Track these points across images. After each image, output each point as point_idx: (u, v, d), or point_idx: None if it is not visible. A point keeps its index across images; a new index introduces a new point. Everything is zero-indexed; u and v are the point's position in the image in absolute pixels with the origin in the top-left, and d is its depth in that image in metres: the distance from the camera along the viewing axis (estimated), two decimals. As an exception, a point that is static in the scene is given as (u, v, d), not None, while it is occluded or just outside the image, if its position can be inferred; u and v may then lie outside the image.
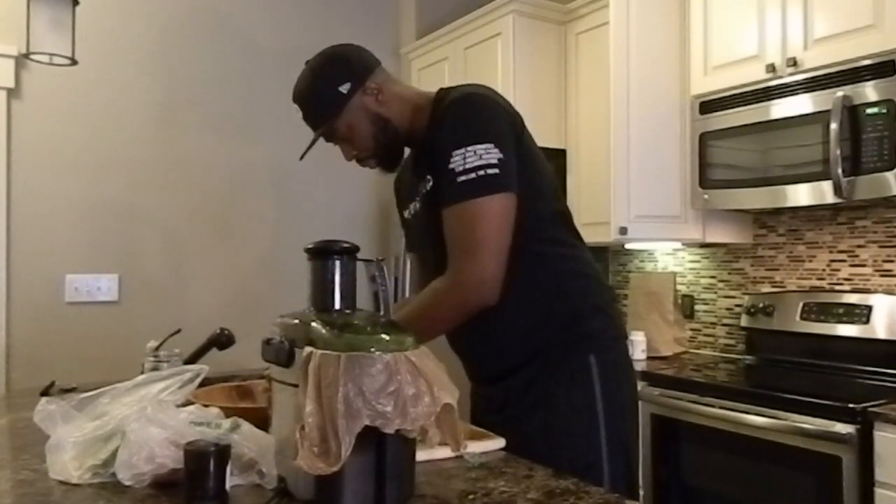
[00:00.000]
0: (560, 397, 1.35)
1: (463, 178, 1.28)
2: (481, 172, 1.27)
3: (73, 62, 2.12)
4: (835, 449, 1.79)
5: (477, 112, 1.34)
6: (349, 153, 1.49)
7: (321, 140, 1.47)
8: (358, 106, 1.42)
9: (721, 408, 2.06)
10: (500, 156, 1.29)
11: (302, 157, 1.48)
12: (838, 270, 2.47)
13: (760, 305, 2.57)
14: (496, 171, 1.28)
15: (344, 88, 1.41)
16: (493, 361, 1.44)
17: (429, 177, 1.38)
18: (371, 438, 0.87)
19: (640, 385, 2.23)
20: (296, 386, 0.91)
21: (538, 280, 1.37)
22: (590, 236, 1.67)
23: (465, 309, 1.32)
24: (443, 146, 1.31)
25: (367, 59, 1.47)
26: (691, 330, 2.96)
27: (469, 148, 1.28)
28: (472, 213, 1.29)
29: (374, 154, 1.47)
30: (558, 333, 1.38)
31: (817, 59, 2.15)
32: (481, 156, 1.28)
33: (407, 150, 1.54)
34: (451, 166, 1.28)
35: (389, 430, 0.87)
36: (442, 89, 1.45)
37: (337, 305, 1.03)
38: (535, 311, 1.38)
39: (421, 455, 1.03)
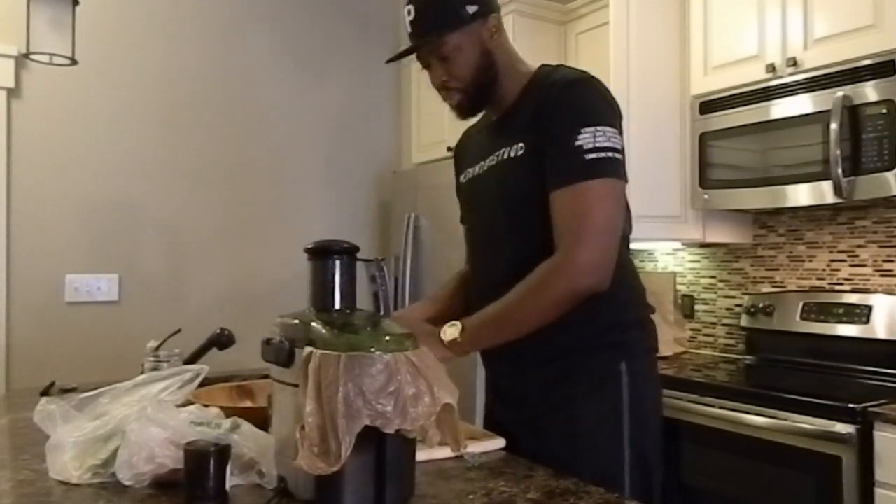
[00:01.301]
0: (587, 402, 1.31)
1: (592, 155, 1.23)
2: (610, 154, 1.24)
3: (73, 62, 2.12)
4: (835, 449, 1.79)
5: (606, 97, 1.32)
6: (439, 77, 1.40)
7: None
8: (475, 32, 1.36)
9: (721, 408, 2.06)
10: (622, 145, 1.27)
11: (390, 61, 1.47)
12: (838, 270, 2.47)
13: (760, 305, 2.57)
14: (620, 157, 1.26)
15: (470, 9, 1.35)
16: (521, 351, 1.37)
17: (521, 143, 1.33)
18: (371, 438, 0.87)
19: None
20: (296, 386, 0.91)
21: None
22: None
23: (576, 292, 1.25)
24: (568, 120, 1.26)
25: None
26: (691, 330, 2.96)
27: (599, 128, 1.25)
28: (598, 192, 1.24)
29: (466, 88, 1.39)
30: (594, 338, 1.34)
31: (817, 59, 2.15)
32: (609, 138, 1.25)
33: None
34: (579, 143, 1.24)
35: (389, 430, 0.87)
36: (545, 65, 1.42)
37: (337, 305, 1.03)
38: (578, 310, 1.30)
39: (421, 455, 1.03)
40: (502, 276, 1.32)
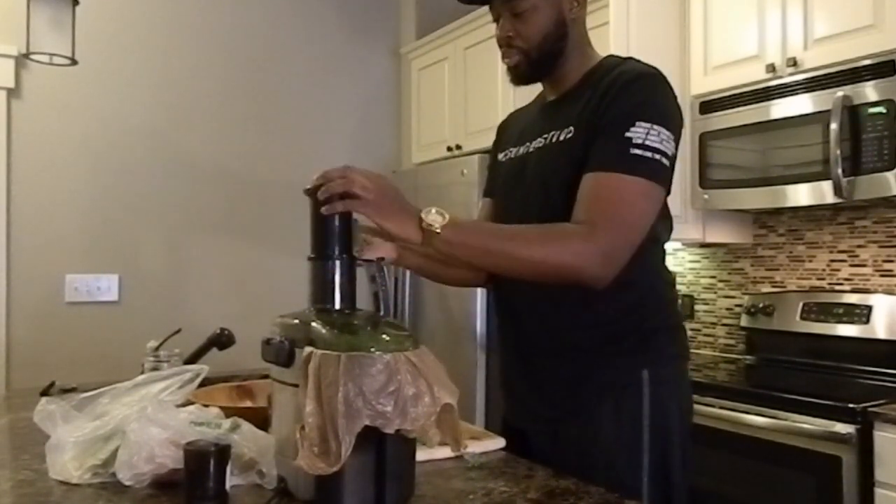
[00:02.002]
0: (604, 410, 1.25)
1: (638, 151, 1.17)
2: (657, 156, 1.18)
3: (73, 62, 2.12)
4: (835, 449, 1.79)
5: (672, 98, 1.26)
6: (506, 32, 1.32)
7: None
8: (555, 0, 1.30)
9: (721, 408, 2.06)
10: (674, 152, 1.22)
11: (463, 1, 1.38)
12: (838, 270, 2.47)
13: (760, 305, 2.57)
14: (667, 163, 1.20)
15: None
16: (539, 349, 1.34)
17: (571, 128, 1.28)
18: (371, 438, 0.87)
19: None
20: (296, 386, 0.91)
21: (625, 283, 1.22)
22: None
23: (577, 270, 1.15)
24: (627, 110, 1.20)
25: None
26: (691, 330, 2.96)
27: (655, 127, 1.18)
28: (632, 190, 1.17)
29: (529, 51, 1.32)
30: (615, 342, 1.27)
31: (817, 59, 2.15)
32: (662, 141, 1.19)
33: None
34: (629, 135, 1.17)
35: (389, 430, 0.87)
36: (613, 55, 1.38)
37: (337, 305, 1.03)
38: (606, 311, 1.26)
39: (421, 455, 1.03)
40: None
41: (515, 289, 1.35)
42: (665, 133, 1.19)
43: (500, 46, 1.35)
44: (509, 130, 1.53)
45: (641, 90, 1.23)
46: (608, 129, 1.20)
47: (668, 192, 1.25)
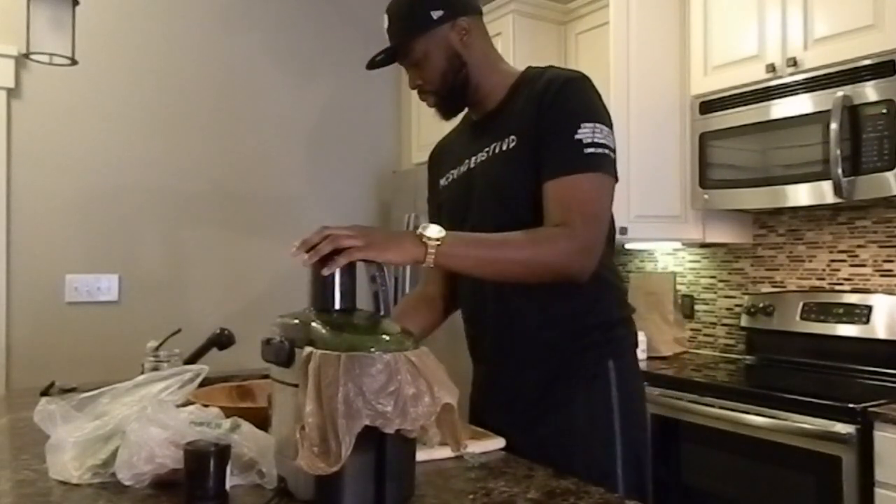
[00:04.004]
0: (578, 402, 1.33)
1: (590, 150, 1.26)
2: (606, 151, 1.28)
3: (73, 62, 2.12)
4: (835, 449, 1.79)
5: (600, 97, 1.35)
6: (414, 81, 1.45)
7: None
8: (441, 37, 1.38)
9: (721, 408, 2.06)
10: (615, 145, 1.31)
11: (369, 66, 1.45)
12: (838, 270, 2.47)
13: (760, 305, 2.57)
14: (614, 156, 1.30)
15: (435, 14, 1.37)
16: (512, 351, 1.39)
17: (513, 136, 1.34)
18: (371, 438, 0.87)
19: (640, 385, 2.22)
20: (296, 386, 0.91)
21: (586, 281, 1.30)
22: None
23: (566, 267, 1.24)
24: (569, 114, 1.29)
25: (471, 0, 1.45)
26: (691, 330, 2.96)
27: (598, 125, 1.28)
28: (594, 185, 1.27)
29: (438, 91, 1.42)
30: (582, 337, 1.35)
31: (817, 59, 2.15)
32: (606, 136, 1.29)
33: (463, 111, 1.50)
34: (579, 136, 1.26)
35: (389, 430, 0.87)
36: (532, 67, 1.44)
37: (337, 305, 1.03)
38: (571, 308, 1.35)
39: (421, 455, 1.03)
40: None
41: (480, 302, 1.42)
42: (605, 129, 1.29)
43: (417, 92, 1.45)
44: (443, 157, 1.59)
45: (575, 93, 1.32)
46: (555, 134, 1.29)
47: (616, 181, 1.32)
